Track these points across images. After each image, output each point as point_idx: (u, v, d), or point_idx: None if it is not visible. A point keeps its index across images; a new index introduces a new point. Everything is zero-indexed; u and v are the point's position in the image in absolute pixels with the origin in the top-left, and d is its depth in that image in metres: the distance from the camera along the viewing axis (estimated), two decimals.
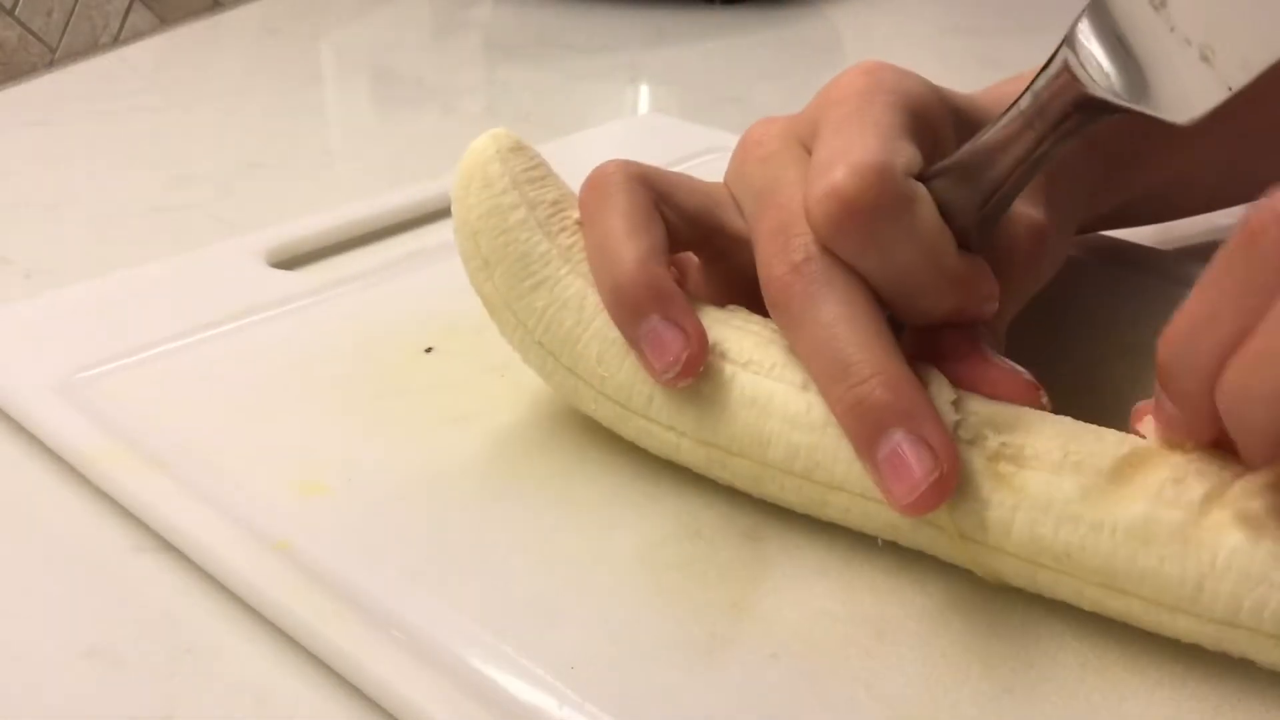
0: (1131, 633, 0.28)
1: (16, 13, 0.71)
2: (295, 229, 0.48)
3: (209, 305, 0.42)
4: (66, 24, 0.75)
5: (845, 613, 0.29)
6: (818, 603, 0.29)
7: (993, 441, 0.29)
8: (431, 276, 0.45)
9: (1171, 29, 0.28)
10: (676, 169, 0.53)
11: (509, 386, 0.37)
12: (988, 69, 0.80)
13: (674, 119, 0.62)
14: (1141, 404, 0.29)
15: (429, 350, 0.40)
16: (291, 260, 0.46)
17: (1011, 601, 0.29)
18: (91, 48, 0.77)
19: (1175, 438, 0.28)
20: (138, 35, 0.80)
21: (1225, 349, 0.26)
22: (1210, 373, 0.26)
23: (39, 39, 0.73)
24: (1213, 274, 0.26)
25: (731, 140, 0.60)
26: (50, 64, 0.74)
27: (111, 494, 0.33)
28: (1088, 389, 0.36)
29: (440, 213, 0.51)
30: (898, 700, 0.27)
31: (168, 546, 0.31)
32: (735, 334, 0.32)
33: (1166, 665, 0.27)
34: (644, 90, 0.75)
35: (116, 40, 0.79)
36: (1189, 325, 0.27)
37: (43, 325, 0.41)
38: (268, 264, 0.45)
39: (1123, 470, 0.28)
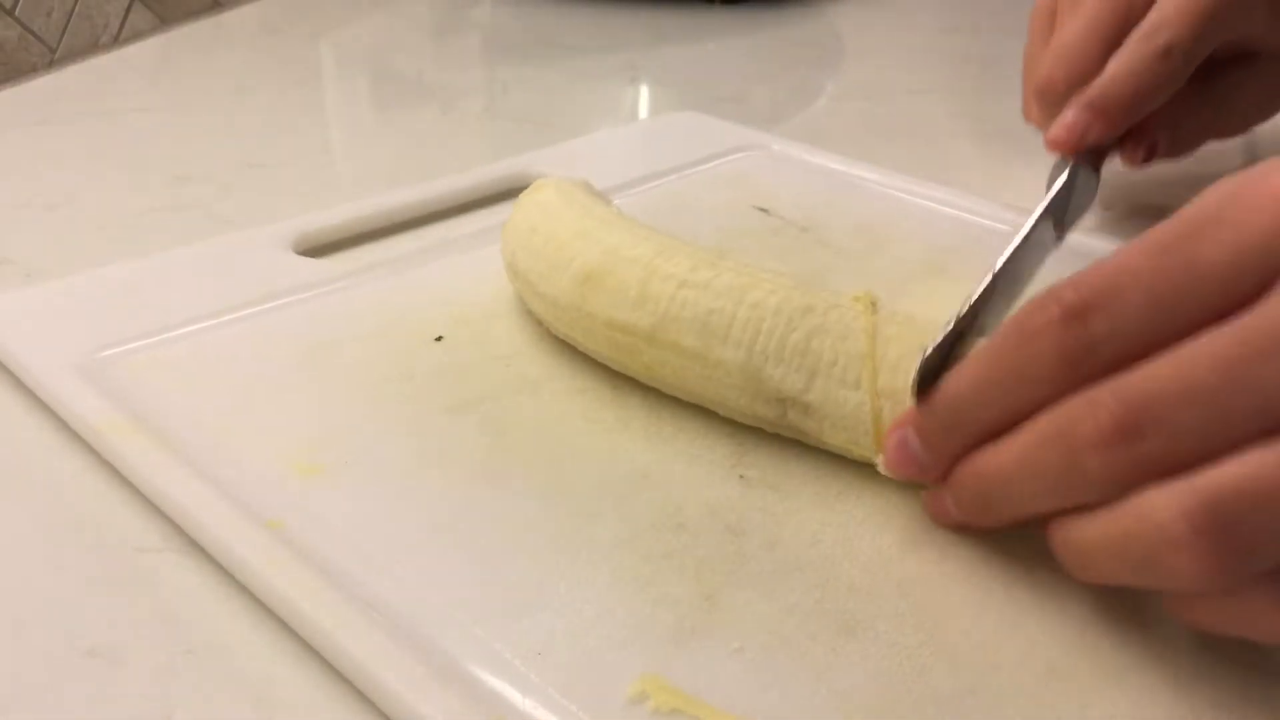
0: (1105, 640, 0.28)
1: (16, 13, 0.71)
2: (323, 217, 0.48)
3: (233, 289, 0.43)
4: (66, 24, 0.75)
5: (817, 609, 0.29)
6: (791, 598, 0.29)
7: None
8: (451, 267, 0.45)
9: None
10: (706, 167, 0.55)
11: (512, 376, 0.38)
12: (988, 69, 0.80)
13: (705, 116, 0.62)
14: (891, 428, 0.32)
15: (439, 338, 0.40)
16: (318, 248, 0.47)
17: (988, 604, 0.29)
18: (91, 48, 0.77)
19: (905, 472, 0.31)
20: (138, 35, 0.80)
21: (986, 421, 0.29)
22: (969, 435, 0.30)
23: (39, 39, 0.73)
24: (989, 353, 0.29)
25: (760, 138, 0.61)
26: (50, 64, 0.74)
27: (116, 467, 0.34)
28: None
29: (465, 205, 0.51)
30: (856, 697, 0.27)
31: (169, 547, 0.32)
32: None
33: (1135, 675, 0.27)
34: (644, 90, 0.75)
35: (116, 40, 0.79)
36: (960, 391, 0.30)
37: (69, 305, 0.42)
38: (294, 251, 0.46)
39: None
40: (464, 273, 0.45)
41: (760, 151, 0.57)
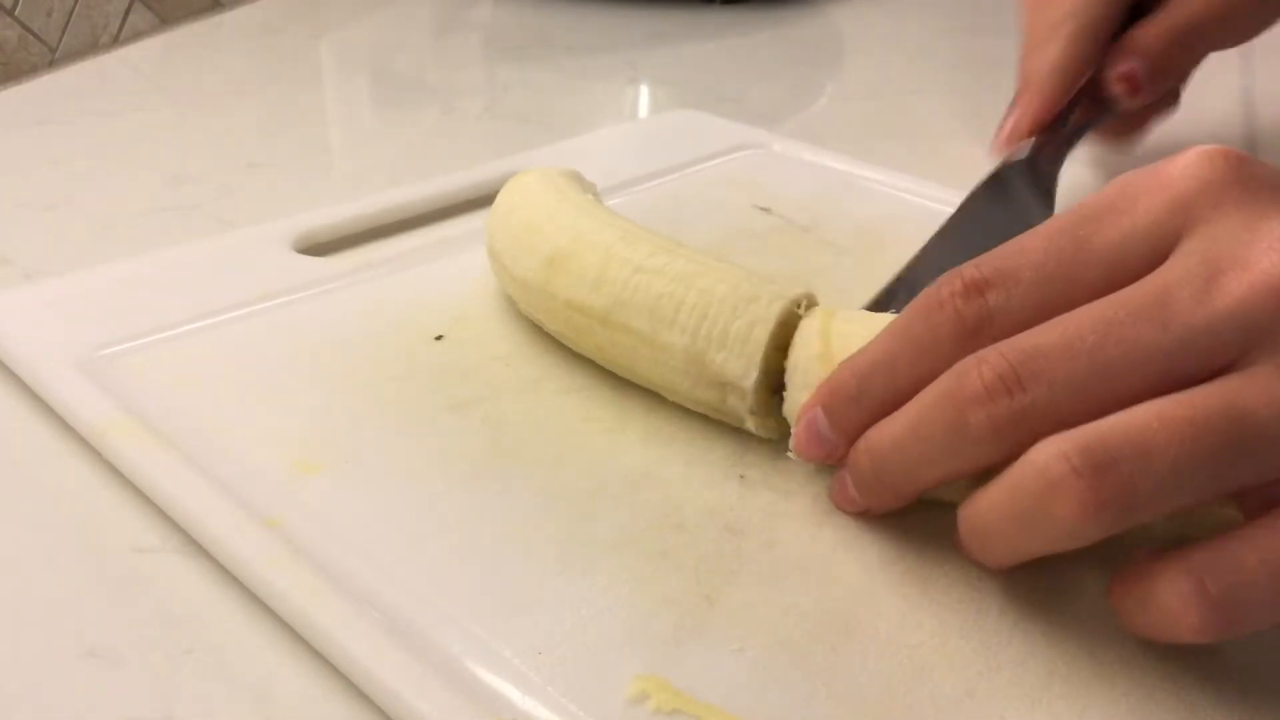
0: (1105, 642, 0.28)
1: (16, 13, 0.71)
2: (324, 216, 0.48)
3: (233, 288, 0.43)
4: (66, 24, 0.75)
5: (817, 609, 0.29)
6: (791, 598, 0.29)
7: None
8: (451, 266, 0.45)
9: None
10: (708, 165, 0.55)
11: (512, 375, 0.38)
12: (988, 69, 0.80)
13: (706, 114, 0.62)
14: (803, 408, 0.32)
15: (439, 338, 0.40)
16: (319, 247, 0.47)
17: (987, 604, 0.29)
18: (91, 48, 0.77)
19: (811, 450, 0.32)
20: (138, 35, 0.80)
21: (894, 391, 0.30)
22: (874, 409, 0.30)
23: (39, 39, 0.73)
24: (897, 326, 0.30)
25: (762, 137, 0.61)
26: (50, 64, 0.74)
27: (116, 466, 0.34)
28: None
29: (466, 204, 0.51)
30: (856, 698, 0.27)
31: (168, 547, 0.32)
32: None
33: (1136, 676, 0.27)
34: (644, 90, 0.75)
35: (116, 40, 0.79)
36: (870, 363, 0.30)
37: (69, 303, 0.41)
38: (295, 250, 0.46)
39: None
40: (464, 272, 0.45)
41: (761, 150, 0.57)
